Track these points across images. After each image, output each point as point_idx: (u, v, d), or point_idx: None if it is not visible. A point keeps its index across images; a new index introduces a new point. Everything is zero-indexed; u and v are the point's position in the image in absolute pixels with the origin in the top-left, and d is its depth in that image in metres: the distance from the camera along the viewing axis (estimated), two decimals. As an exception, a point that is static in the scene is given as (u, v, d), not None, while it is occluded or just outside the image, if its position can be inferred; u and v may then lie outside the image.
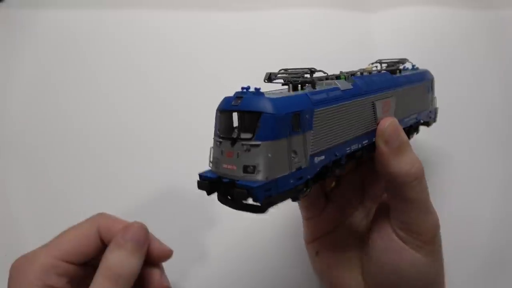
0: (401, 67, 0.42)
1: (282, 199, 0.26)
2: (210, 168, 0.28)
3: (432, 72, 0.53)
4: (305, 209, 0.38)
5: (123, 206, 0.45)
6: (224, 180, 0.25)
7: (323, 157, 0.29)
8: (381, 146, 0.31)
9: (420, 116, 0.42)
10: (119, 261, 0.27)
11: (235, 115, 0.27)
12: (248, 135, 0.25)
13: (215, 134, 0.27)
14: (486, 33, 0.54)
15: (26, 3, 0.54)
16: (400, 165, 0.30)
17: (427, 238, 0.31)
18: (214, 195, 0.27)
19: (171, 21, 0.54)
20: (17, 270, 0.28)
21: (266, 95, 0.26)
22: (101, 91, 0.51)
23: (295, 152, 0.26)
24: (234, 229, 0.45)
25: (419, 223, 0.31)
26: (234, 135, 0.26)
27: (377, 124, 0.33)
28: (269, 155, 0.24)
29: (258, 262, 0.44)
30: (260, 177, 0.24)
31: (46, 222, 0.45)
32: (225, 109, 0.27)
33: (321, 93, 0.29)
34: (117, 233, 0.29)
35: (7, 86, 0.51)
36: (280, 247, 0.45)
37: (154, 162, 0.48)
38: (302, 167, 0.27)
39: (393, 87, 0.37)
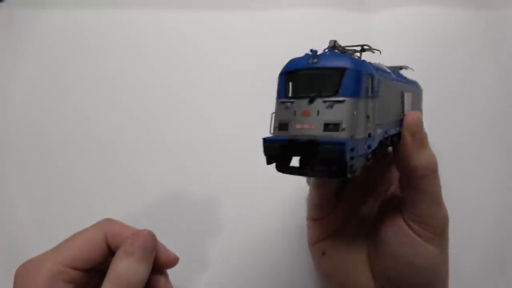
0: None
1: (359, 164, 0.24)
2: (271, 134, 0.26)
3: (432, 71, 0.53)
4: (316, 208, 0.37)
5: (127, 208, 0.45)
6: (301, 140, 0.23)
7: (380, 130, 0.28)
8: (408, 137, 0.32)
9: None
10: (128, 269, 0.27)
11: (291, 84, 0.25)
12: (329, 93, 0.23)
13: (282, 97, 0.25)
14: (486, 33, 0.54)
15: (26, 3, 0.54)
16: (420, 157, 0.31)
17: (438, 231, 0.32)
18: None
19: (174, 21, 0.54)
20: (23, 276, 0.28)
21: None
22: (102, 92, 0.51)
23: (367, 117, 0.25)
24: (237, 232, 0.45)
25: (432, 215, 0.32)
26: (312, 94, 0.24)
27: (404, 115, 0.33)
28: (354, 112, 0.23)
29: (262, 266, 0.44)
30: (344, 134, 0.22)
31: (50, 224, 0.45)
32: (297, 69, 0.25)
33: (378, 66, 0.28)
34: (125, 240, 0.28)
35: (7, 86, 0.51)
36: (283, 249, 0.45)
37: (159, 164, 0.48)
38: (371, 134, 0.25)
39: (409, 84, 0.37)
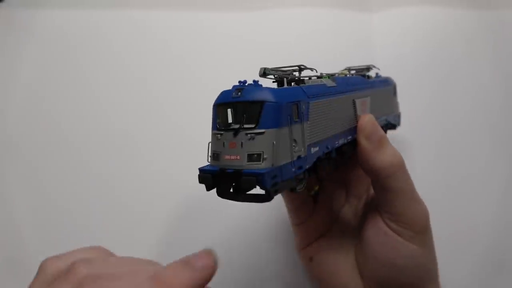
0: (369, 73, 0.43)
1: (286, 187, 0.26)
2: (209, 163, 0.28)
3: (432, 71, 0.53)
4: (294, 213, 0.37)
5: (123, 208, 0.45)
6: (229, 170, 0.25)
7: (317, 148, 0.29)
8: (363, 142, 0.32)
9: (389, 118, 0.44)
10: None
11: (229, 111, 0.27)
12: (252, 125, 0.25)
13: (214, 128, 0.27)
14: (487, 33, 0.54)
15: (26, 3, 0.54)
16: (382, 157, 0.31)
17: (418, 228, 0.32)
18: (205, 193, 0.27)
19: (170, 21, 0.54)
20: None
21: (264, 87, 0.27)
22: (102, 91, 0.51)
23: (295, 141, 0.27)
24: (236, 232, 0.45)
25: (408, 212, 0.32)
26: (236, 126, 0.26)
27: (357, 121, 0.34)
28: (274, 142, 0.25)
29: (259, 267, 0.44)
30: (266, 164, 0.24)
31: (50, 224, 0.45)
32: (225, 102, 0.27)
33: (312, 87, 0.30)
34: None
35: (7, 86, 0.51)
36: (281, 249, 0.45)
37: (155, 163, 0.48)
38: (302, 156, 0.27)
39: (368, 88, 0.38)
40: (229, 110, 0.27)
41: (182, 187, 0.47)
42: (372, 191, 0.38)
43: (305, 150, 0.28)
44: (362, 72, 0.42)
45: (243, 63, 0.52)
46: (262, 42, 0.53)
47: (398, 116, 0.47)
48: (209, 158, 0.28)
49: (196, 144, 0.48)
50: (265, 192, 0.24)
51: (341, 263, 0.35)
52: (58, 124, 0.50)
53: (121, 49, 0.53)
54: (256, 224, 0.45)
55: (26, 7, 0.54)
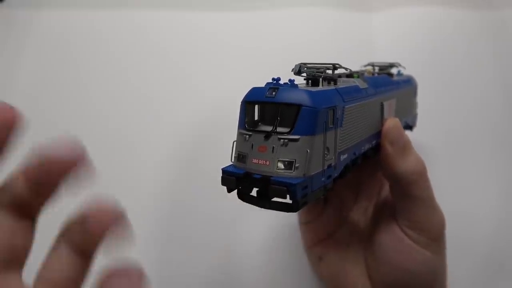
0: (393, 70, 0.42)
1: (314, 197, 0.25)
2: (232, 163, 0.26)
3: (433, 72, 0.53)
4: (303, 212, 0.37)
5: (124, 208, 0.44)
6: (255, 176, 0.23)
7: (346, 155, 0.28)
8: (387, 147, 0.31)
9: (408, 119, 0.43)
10: None
11: (256, 108, 0.25)
12: (285, 129, 0.23)
13: (242, 127, 0.25)
14: (486, 33, 0.54)
15: (26, 3, 0.54)
16: (405, 164, 0.31)
17: (435, 235, 0.32)
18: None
19: (171, 21, 0.54)
20: None
21: (300, 88, 0.25)
22: (102, 91, 0.51)
23: (327, 149, 0.25)
24: (238, 232, 0.45)
25: (427, 220, 0.31)
26: (263, 128, 0.24)
27: (383, 125, 0.33)
28: (308, 150, 0.23)
29: (262, 267, 0.44)
30: (297, 173, 0.23)
31: (47, 225, 0.45)
32: (256, 101, 0.25)
33: (347, 89, 0.28)
34: None
35: (7, 86, 0.51)
36: (284, 250, 0.44)
37: (155, 164, 0.48)
38: (332, 164, 0.26)
39: (395, 89, 0.37)
40: (256, 107, 0.25)
41: (181, 186, 0.47)
42: (383, 194, 0.37)
43: (336, 158, 0.26)
44: (386, 69, 0.41)
45: (242, 63, 0.52)
46: (262, 42, 0.53)
47: (415, 117, 0.46)
48: (233, 159, 0.26)
49: (197, 145, 0.49)
50: (293, 202, 0.23)
51: (349, 264, 0.35)
52: (58, 124, 0.50)
53: (121, 49, 0.53)
54: (259, 224, 0.45)
55: (26, 7, 0.54)
